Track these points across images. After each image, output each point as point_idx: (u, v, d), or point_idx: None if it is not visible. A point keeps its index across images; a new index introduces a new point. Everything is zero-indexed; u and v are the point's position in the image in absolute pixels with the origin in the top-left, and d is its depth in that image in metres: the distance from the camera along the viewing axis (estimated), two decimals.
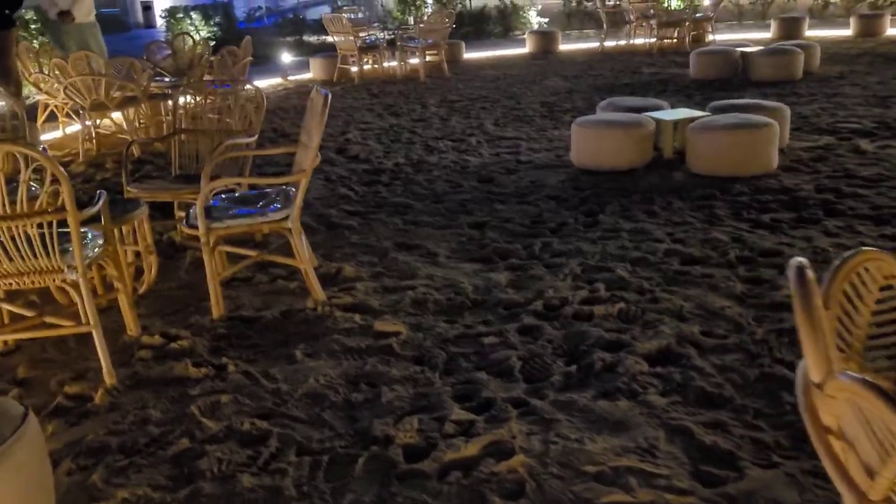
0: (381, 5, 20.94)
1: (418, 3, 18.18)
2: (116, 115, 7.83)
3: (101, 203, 3.27)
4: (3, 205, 2.86)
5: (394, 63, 12.72)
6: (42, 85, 7.93)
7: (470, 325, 3.57)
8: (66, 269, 3.07)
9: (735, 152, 5.66)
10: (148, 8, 27.70)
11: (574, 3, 18.60)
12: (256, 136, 4.77)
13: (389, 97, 10.51)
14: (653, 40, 14.05)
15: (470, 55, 14.67)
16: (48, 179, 2.84)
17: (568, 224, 4.93)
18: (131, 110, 7.51)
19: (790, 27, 14.48)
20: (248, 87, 4.92)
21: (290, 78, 12.77)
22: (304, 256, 3.82)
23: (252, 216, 3.74)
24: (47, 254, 3.01)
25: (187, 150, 4.92)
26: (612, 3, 15.25)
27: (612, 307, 3.59)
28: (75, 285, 3.10)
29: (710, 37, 14.70)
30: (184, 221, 3.89)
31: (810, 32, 14.63)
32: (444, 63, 12.31)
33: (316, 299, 3.87)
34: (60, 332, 3.24)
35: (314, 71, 12.62)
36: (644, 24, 14.57)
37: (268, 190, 4.09)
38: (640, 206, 5.19)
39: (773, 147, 5.69)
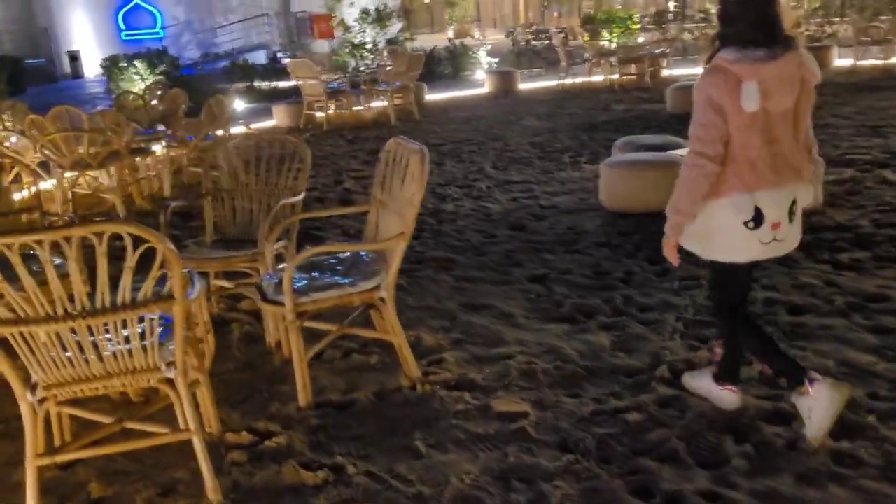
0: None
1: (368, 47, 17.94)
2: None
3: (199, 288, 2.80)
4: (103, 295, 2.37)
5: (359, 107, 12.36)
6: (5, 143, 7.24)
7: (599, 399, 3.20)
8: (163, 367, 2.58)
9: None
10: (75, 58, 26.56)
11: (523, 43, 18.69)
12: (303, 195, 4.33)
13: (367, 142, 10.14)
14: (614, 77, 14.14)
15: (429, 97, 14.45)
16: (156, 264, 2.37)
17: (635, 273, 4.64)
18: (113, 167, 6.90)
19: None
20: (291, 139, 4.47)
21: (253, 126, 12.24)
22: (398, 329, 3.40)
23: (341, 287, 3.29)
24: (145, 350, 2.52)
25: (225, 212, 4.43)
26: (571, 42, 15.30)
27: (749, 369, 3.29)
28: (171, 384, 2.61)
29: (665, 72, 14.93)
30: (259, 295, 3.41)
31: None
32: (413, 105, 12.03)
33: (410, 376, 3.44)
34: (153, 441, 2.72)
35: (278, 117, 12.14)
36: (602, 61, 14.69)
37: (343, 255, 3.65)
38: None
39: (819, 183, 5.56)
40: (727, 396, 3.01)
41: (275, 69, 17.19)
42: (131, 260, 2.32)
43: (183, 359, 2.59)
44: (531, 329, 3.96)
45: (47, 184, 7.28)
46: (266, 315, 3.85)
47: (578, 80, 14.76)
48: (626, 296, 4.28)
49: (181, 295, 2.44)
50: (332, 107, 12.13)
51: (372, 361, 3.67)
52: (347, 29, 21.96)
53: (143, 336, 2.50)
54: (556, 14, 39.32)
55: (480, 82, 16.56)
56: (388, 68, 12.31)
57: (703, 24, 18.37)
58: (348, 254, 3.68)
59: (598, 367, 3.47)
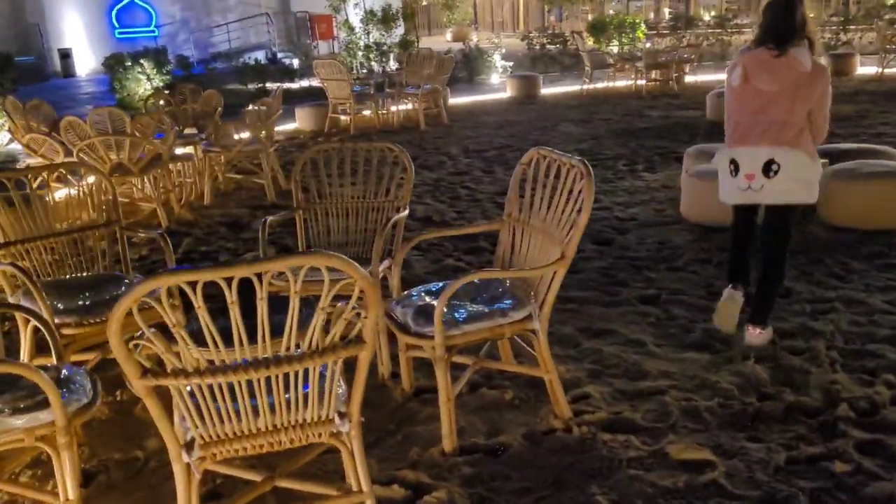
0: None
1: (384, 49, 17.56)
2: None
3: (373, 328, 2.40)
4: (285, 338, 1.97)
5: (383, 112, 11.94)
6: (37, 146, 6.78)
7: (788, 445, 2.84)
8: (336, 419, 2.18)
9: (887, 202, 5.21)
10: (67, 56, 25.91)
11: (538, 47, 18.36)
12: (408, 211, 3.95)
13: (409, 148, 9.71)
14: (640, 82, 13.84)
15: (452, 101, 14.08)
16: (351, 302, 1.98)
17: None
18: (154, 173, 6.46)
19: None
20: (390, 147, 4.08)
21: (276, 130, 11.80)
22: (550, 364, 3.02)
23: (492, 317, 2.91)
24: (321, 399, 2.13)
25: (318, 228, 4.04)
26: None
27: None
28: (343, 439, 2.22)
29: (688, 78, 14.64)
30: (396, 326, 3.02)
31: None
32: (442, 110, 11.65)
33: (562, 416, 3.06)
34: None
35: (301, 121, 11.72)
36: (626, 66, 14.38)
37: (476, 281, 3.26)
38: (815, 268, 4.62)
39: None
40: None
41: (287, 70, 16.74)
42: (325, 300, 1.93)
43: (359, 409, 2.20)
44: (669, 358, 3.59)
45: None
46: (379, 345, 3.46)
47: (600, 85, 14.45)
48: None
49: (373, 339, 2.05)
50: (362, 110, 11.72)
51: (507, 397, 3.29)
52: (352, 30, 21.61)
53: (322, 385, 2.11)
54: (552, 18, 39.11)
55: (497, 86, 16.22)
56: (406, 71, 11.87)
57: (719, 31, 18.12)
58: (477, 280, 3.29)
59: (768, 406, 3.11)
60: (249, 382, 2.01)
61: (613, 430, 2.98)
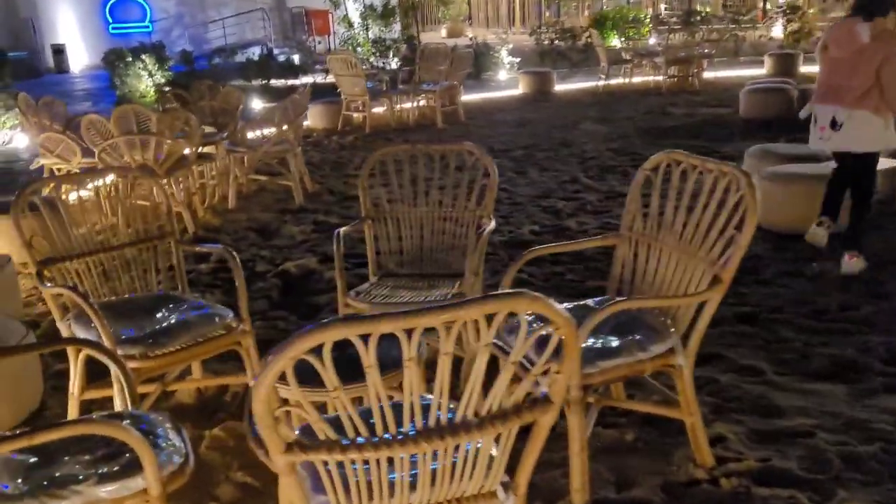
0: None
1: (389, 45, 17.11)
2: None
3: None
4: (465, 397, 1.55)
5: (396, 109, 11.47)
6: (52, 146, 6.30)
7: None
8: (501, 492, 1.77)
9: None
10: (60, 52, 25.25)
11: (546, 42, 17.96)
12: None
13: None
14: (659, 78, 13.46)
15: (463, 98, 13.64)
16: (546, 354, 1.55)
17: (862, 309, 3.92)
18: (179, 175, 6.01)
19: (785, 63, 14.25)
20: (469, 149, 3.66)
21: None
22: (695, 405, 2.61)
23: (629, 351, 2.49)
24: (489, 468, 1.71)
25: (389, 242, 3.61)
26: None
27: None
28: None
29: (706, 74, 14.28)
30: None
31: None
32: (459, 108, 11.23)
33: (704, 464, 2.66)
34: None
35: (312, 118, 11.23)
36: (644, 62, 14.02)
37: (575, 305, 2.85)
38: None
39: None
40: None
41: (291, 66, 16.25)
42: (516, 353, 1.51)
43: (527, 481, 1.79)
44: (798, 390, 3.20)
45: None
46: None
47: (615, 81, 14.05)
48: (886, 344, 3.54)
49: (561, 397, 1.63)
50: (374, 107, 11.26)
51: (628, 439, 2.88)
52: (351, 25, 21.13)
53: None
54: (548, 14, 38.68)
55: (505, 83, 15.82)
56: (420, 67, 11.44)
57: (734, 27, 17.78)
58: (593, 303, 2.88)
59: None
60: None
61: (769, 482, 2.57)
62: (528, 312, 1.47)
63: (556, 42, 17.75)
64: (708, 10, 27.81)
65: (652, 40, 19.62)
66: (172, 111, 6.50)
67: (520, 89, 14.31)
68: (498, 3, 40.27)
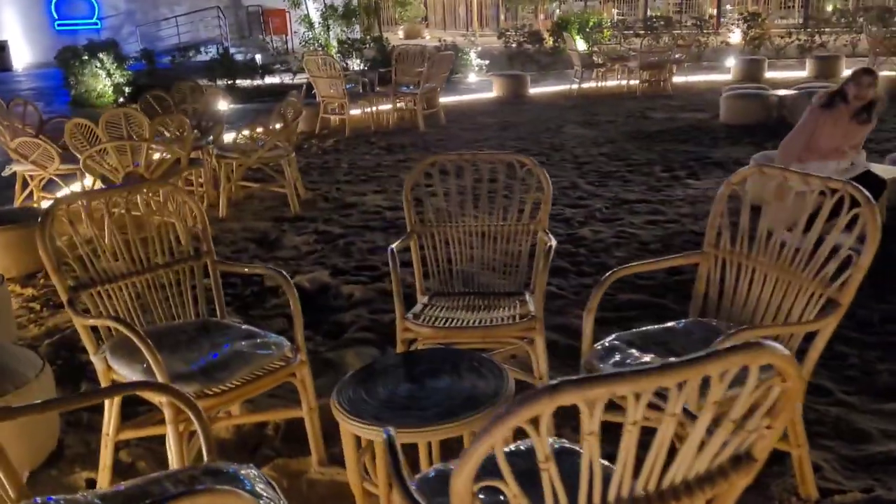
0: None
1: (359, 46, 16.79)
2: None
3: None
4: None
5: (369, 110, 11.15)
6: (28, 151, 5.88)
7: None
8: None
9: None
10: (2, 48, 24.20)
11: (514, 45, 17.86)
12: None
13: (406, 151, 9.06)
14: (633, 82, 13.46)
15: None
16: (764, 408, 1.35)
17: None
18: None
19: (751, 68, 14.40)
20: (520, 159, 3.44)
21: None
22: (803, 436, 2.44)
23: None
24: None
25: (438, 258, 3.37)
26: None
27: None
28: None
29: (675, 78, 14.35)
30: None
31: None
32: (440, 111, 11.02)
33: (808, 497, 2.49)
34: None
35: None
36: (617, 66, 14.00)
37: (650, 330, 2.66)
38: None
39: None
40: None
41: (255, 66, 15.80)
42: (739, 409, 1.30)
43: None
44: (874, 411, 3.07)
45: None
46: None
47: (587, 85, 13.99)
48: None
49: (766, 454, 1.43)
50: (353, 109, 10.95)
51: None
52: (312, 25, 20.75)
53: None
54: (503, 17, 38.67)
55: (475, 85, 15.67)
56: (397, 69, 11.18)
57: (696, 32, 17.93)
58: (681, 325, 2.70)
59: None
60: None
61: None
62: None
63: (525, 45, 17.61)
64: (658, 14, 28.19)
65: (615, 45, 19.70)
66: (165, 115, 6.12)
67: (493, 92, 14.16)
68: (455, 6, 40.14)
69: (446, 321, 2.93)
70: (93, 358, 2.61)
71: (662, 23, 18.23)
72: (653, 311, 4.10)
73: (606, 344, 2.53)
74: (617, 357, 2.43)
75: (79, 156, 5.34)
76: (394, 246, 3.19)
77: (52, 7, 25.05)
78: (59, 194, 6.80)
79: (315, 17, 21.25)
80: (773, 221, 2.63)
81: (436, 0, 41.87)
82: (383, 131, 10.63)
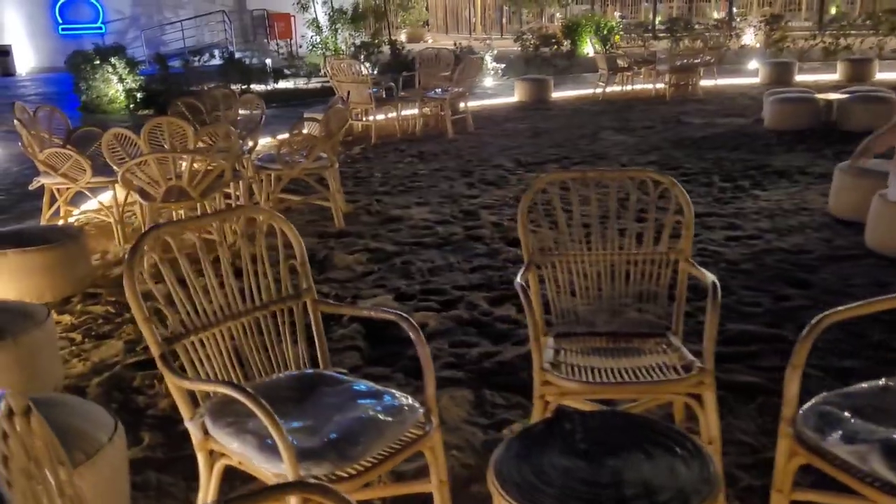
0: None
1: (374, 48, 16.37)
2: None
3: None
4: None
5: (393, 115, 10.69)
6: (58, 163, 5.42)
7: None
8: None
9: None
10: (6, 53, 23.70)
11: (531, 49, 17.45)
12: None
13: (439, 159, 8.61)
14: (660, 86, 13.06)
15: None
16: None
17: None
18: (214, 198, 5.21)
19: (780, 71, 14.02)
20: (654, 176, 3.00)
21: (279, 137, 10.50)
22: None
23: None
24: None
25: (556, 287, 2.92)
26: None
27: None
28: None
29: (701, 82, 13.95)
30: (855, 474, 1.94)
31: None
32: (468, 116, 10.59)
33: None
34: None
35: (309, 128, 10.40)
36: (644, 69, 13.60)
37: None
38: None
39: None
40: None
41: (272, 71, 15.36)
42: None
43: None
44: None
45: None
46: None
47: (611, 89, 13.56)
48: None
49: None
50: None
51: None
52: (320, 29, 20.33)
53: None
54: (504, 21, 38.28)
55: (492, 90, 15.24)
56: (422, 73, 10.77)
57: (717, 34, 17.54)
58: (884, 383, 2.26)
59: None
60: None
61: None
62: None
63: (542, 48, 17.21)
64: (659, 19, 27.86)
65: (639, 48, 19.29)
66: (213, 125, 5.67)
67: (515, 96, 13.73)
68: (458, 9, 39.74)
69: (592, 372, 2.49)
70: (188, 424, 2.16)
71: (682, 24, 17.81)
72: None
73: (817, 409, 2.08)
74: (839, 431, 1.99)
75: (116, 168, 4.89)
76: (518, 281, 2.73)
77: (57, 11, 24.58)
78: (84, 207, 6.37)
79: (322, 20, 20.83)
80: None
81: (437, 4, 41.55)
82: (410, 138, 10.20)
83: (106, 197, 5.91)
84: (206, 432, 2.14)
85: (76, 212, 6.13)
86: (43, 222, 5.73)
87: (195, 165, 4.92)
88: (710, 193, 6.69)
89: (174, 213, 5.08)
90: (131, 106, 13.60)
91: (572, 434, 2.01)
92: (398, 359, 3.73)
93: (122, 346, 3.98)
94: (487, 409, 3.23)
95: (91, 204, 6.50)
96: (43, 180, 5.61)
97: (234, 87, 14.05)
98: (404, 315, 2.32)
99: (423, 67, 11.43)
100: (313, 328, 2.55)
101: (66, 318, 4.35)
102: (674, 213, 2.87)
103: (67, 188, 5.67)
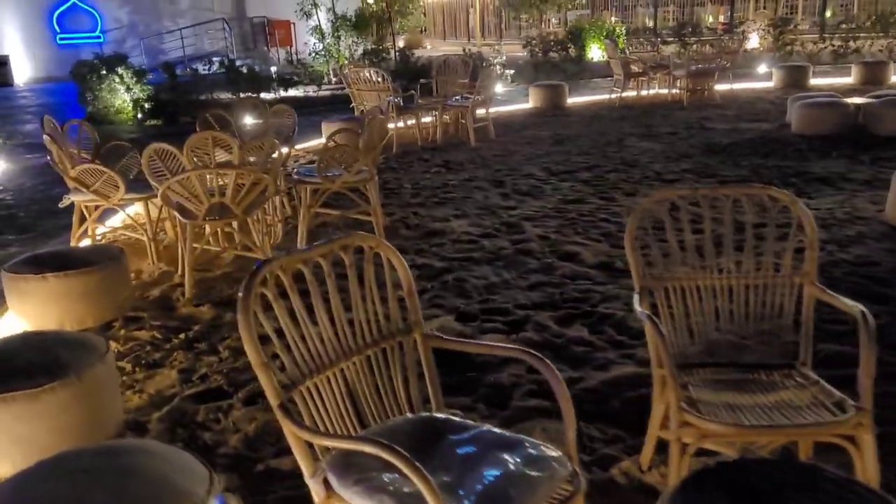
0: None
1: (386, 57, 16.17)
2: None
3: None
4: None
5: (411, 123, 10.49)
6: (90, 179, 5.19)
7: None
8: None
9: None
10: (3, 63, 23.39)
11: (541, 55, 17.27)
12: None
13: (468, 169, 8.41)
14: (675, 91, 12.91)
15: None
16: None
17: None
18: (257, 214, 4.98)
19: (795, 75, 13.88)
20: (772, 194, 2.80)
21: (299, 148, 10.27)
22: None
23: None
24: None
25: (668, 315, 2.71)
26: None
27: None
28: None
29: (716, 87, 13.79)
30: None
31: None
32: (490, 124, 10.39)
33: None
34: None
35: (346, 138, 10.18)
36: (660, 74, 13.44)
37: None
38: None
39: None
40: None
41: (272, 78, 15.13)
42: None
43: None
44: None
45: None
46: None
47: (626, 94, 13.39)
48: None
49: None
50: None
51: None
52: (324, 35, 20.13)
53: None
54: (504, 28, 38.15)
55: (504, 96, 15.04)
56: (438, 81, 10.57)
57: (726, 38, 17.40)
58: None
59: None
60: None
61: None
62: None
63: (551, 54, 17.04)
64: (649, 22, 27.75)
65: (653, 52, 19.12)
66: (258, 138, 5.44)
67: (529, 103, 13.55)
68: (456, 15, 39.59)
69: (732, 411, 2.27)
70: (309, 481, 1.94)
71: (690, 30, 17.68)
72: None
73: None
74: None
75: (155, 184, 4.66)
76: (637, 310, 2.52)
77: (54, 21, 24.31)
78: (110, 223, 6.14)
79: (325, 27, 20.64)
80: None
81: (435, 10, 41.41)
82: (431, 146, 10.01)
83: (131, 211, 5.70)
84: (329, 488, 1.92)
85: (101, 229, 5.89)
86: (73, 242, 5.49)
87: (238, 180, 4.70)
88: (762, 204, 6.48)
89: (209, 229, 4.86)
90: (139, 116, 13.35)
91: (745, 485, 1.80)
92: (476, 386, 3.51)
93: (177, 375, 3.75)
94: (585, 442, 3.01)
95: (115, 220, 6.28)
96: (73, 198, 5.38)
97: (242, 95, 13.89)
98: (534, 353, 2.11)
99: (440, 75, 11.24)
100: (424, 365, 2.33)
101: (112, 346, 4.11)
102: (794, 232, 2.67)
103: (96, 206, 5.44)
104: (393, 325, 2.31)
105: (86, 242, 5.71)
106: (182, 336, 4.21)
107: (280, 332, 2.05)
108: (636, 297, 2.62)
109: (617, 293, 4.54)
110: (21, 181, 8.80)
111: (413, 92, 10.12)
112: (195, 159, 4.62)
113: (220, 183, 4.65)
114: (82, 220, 5.50)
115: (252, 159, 4.96)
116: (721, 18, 27.08)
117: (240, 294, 1.93)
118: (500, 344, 2.30)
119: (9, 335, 3.37)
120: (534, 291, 4.68)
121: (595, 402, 3.33)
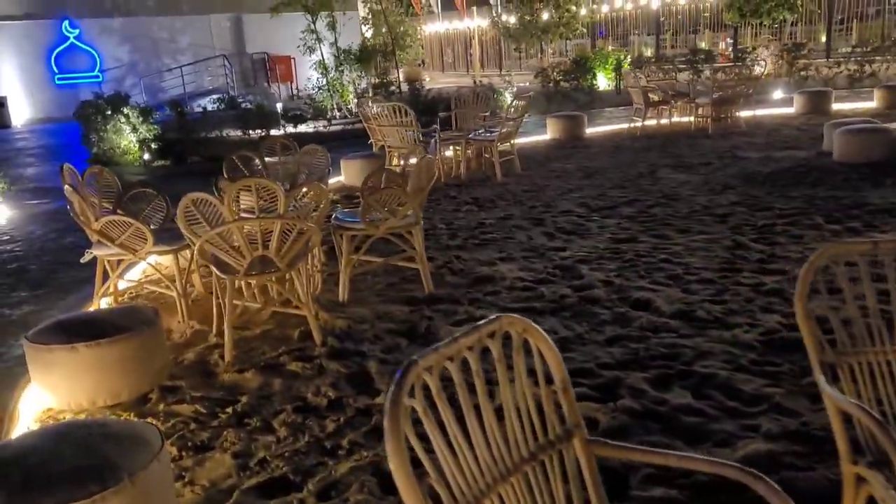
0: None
1: (388, 88, 15.84)
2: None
3: None
4: None
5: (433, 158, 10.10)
6: (115, 232, 4.73)
7: None
8: None
9: None
10: (1, 104, 23.05)
11: (552, 85, 16.98)
12: None
13: (501, 206, 8.00)
14: (698, 119, 12.57)
15: None
16: None
17: None
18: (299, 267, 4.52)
19: (817, 100, 13.57)
20: None
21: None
22: None
23: None
24: None
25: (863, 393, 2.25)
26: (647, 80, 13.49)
27: None
28: None
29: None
30: None
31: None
32: (516, 158, 10.01)
33: None
34: None
35: (348, 176, 9.81)
36: (680, 102, 13.11)
37: None
38: None
39: None
40: None
41: (279, 114, 14.77)
42: None
43: None
44: None
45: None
46: None
47: (645, 122, 13.06)
48: None
49: None
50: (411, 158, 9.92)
51: None
52: (327, 70, 19.88)
53: None
54: (504, 59, 38.06)
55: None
56: (503, 114, 10.22)
57: (740, 64, 17.15)
58: None
59: None
60: None
61: None
62: None
63: (562, 84, 16.75)
64: (649, 53, 27.63)
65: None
66: (304, 184, 5.00)
67: (548, 134, 13.20)
68: (455, 47, 39.54)
69: None
70: None
71: (702, 57, 17.44)
72: None
73: None
74: None
75: (191, 237, 4.21)
76: (835, 392, 2.06)
77: (52, 61, 24.02)
78: (129, 275, 5.67)
79: (329, 62, 20.38)
80: None
81: (433, 42, 41.38)
82: (456, 182, 9.62)
83: (153, 261, 5.25)
84: None
85: (121, 283, 5.42)
86: (96, 301, 5.02)
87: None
88: (823, 237, 6.07)
89: (255, 284, 4.39)
90: (146, 157, 12.95)
91: None
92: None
93: (231, 460, 3.27)
94: None
95: (134, 272, 5.82)
96: (96, 252, 4.92)
97: (252, 133, 13.51)
98: (756, 473, 1.64)
99: (458, 108, 10.89)
100: (586, 477, 1.86)
101: (151, 423, 3.63)
102: None
103: (118, 259, 4.99)
104: (550, 431, 1.84)
105: (106, 300, 5.25)
106: (229, 410, 3.73)
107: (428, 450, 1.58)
108: (821, 379, 2.16)
109: (710, 348, 4.08)
110: (30, 229, 8.34)
111: (436, 126, 9.72)
112: (236, 208, 4.17)
113: (261, 233, 4.18)
114: (105, 275, 5.03)
115: (292, 206, 4.53)
116: (722, 46, 26.93)
117: (386, 408, 1.46)
118: (697, 456, 1.79)
119: (46, 425, 2.89)
120: (614, 347, 4.21)
121: (731, 492, 2.81)
